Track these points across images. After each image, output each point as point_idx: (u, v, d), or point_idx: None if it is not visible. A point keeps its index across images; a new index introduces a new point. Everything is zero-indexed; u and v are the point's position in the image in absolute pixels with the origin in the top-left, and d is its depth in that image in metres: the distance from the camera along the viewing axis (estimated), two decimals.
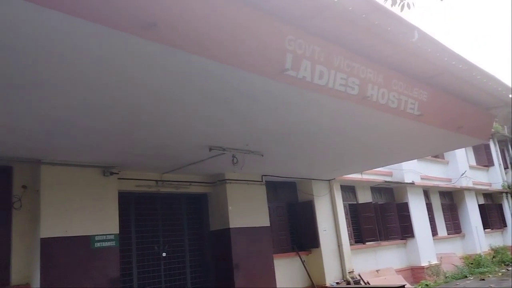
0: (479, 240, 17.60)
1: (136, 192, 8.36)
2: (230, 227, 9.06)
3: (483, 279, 13.35)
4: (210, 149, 7.06)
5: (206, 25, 3.82)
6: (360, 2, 4.50)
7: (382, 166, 12.87)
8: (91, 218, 6.98)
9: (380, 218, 13.74)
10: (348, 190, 13.33)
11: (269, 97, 5.22)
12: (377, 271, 12.71)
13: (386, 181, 14.08)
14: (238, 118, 5.93)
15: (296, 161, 9.29)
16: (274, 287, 9.60)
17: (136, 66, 4.02)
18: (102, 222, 7.10)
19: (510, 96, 7.83)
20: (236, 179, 9.41)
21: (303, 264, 11.01)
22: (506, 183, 20.77)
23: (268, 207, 10.19)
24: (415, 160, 14.70)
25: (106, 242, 7.05)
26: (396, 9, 5.14)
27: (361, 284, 11.52)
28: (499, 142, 21.30)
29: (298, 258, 10.99)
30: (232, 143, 7.09)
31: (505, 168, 21.35)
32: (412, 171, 14.81)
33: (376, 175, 13.77)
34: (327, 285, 10.85)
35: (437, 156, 17.29)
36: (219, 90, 4.85)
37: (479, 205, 19.06)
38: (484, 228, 18.48)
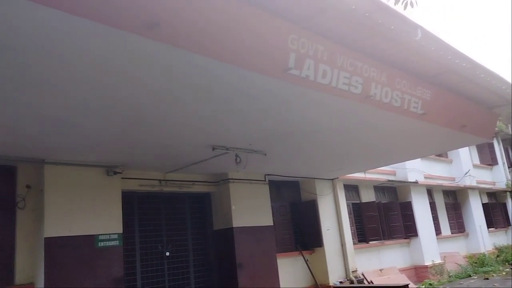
0: (483, 239, 17.55)
1: (139, 191, 8.37)
2: (234, 226, 9.06)
3: (487, 278, 13.30)
4: (213, 149, 7.07)
5: (208, 24, 3.82)
6: (363, 0, 4.48)
7: (386, 165, 12.85)
8: (94, 218, 7.00)
9: (383, 217, 13.71)
10: (351, 189, 13.31)
11: (272, 96, 5.22)
12: (380, 270, 12.69)
13: (389, 180, 14.05)
14: (241, 117, 5.94)
15: (299, 161, 9.28)
16: (278, 286, 9.60)
17: (138, 66, 4.03)
18: (105, 222, 7.12)
19: None
20: (239, 179, 9.42)
21: (307, 264, 11.00)
22: (510, 182, 20.68)
23: (271, 206, 10.19)
24: (419, 159, 14.66)
25: (109, 242, 7.07)
26: (399, 8, 5.13)
27: (364, 284, 11.50)
28: (502, 140, 21.22)
29: (302, 257, 10.99)
30: (235, 142, 7.09)
31: (509, 167, 21.27)
32: (415, 170, 14.78)
33: (380, 174, 13.74)
34: (331, 284, 10.84)
35: (441, 155, 17.24)
36: (222, 90, 4.85)
37: (483, 204, 19.00)
38: (488, 227, 18.43)
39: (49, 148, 6.27)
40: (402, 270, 13.44)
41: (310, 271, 11.01)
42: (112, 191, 7.35)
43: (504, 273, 14.17)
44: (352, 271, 11.55)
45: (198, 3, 3.68)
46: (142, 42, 3.53)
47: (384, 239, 13.43)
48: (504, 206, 21.09)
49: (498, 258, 16.74)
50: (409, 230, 14.28)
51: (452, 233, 16.97)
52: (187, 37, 3.71)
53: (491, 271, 14.56)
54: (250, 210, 9.48)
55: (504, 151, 21.31)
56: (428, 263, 14.06)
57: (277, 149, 7.84)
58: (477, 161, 20.10)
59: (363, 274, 11.85)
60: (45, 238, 6.44)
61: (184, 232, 9.23)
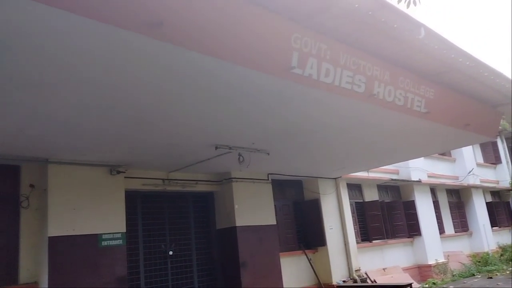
0: (486, 238, 17.50)
1: (142, 190, 8.39)
2: (237, 225, 9.07)
3: (491, 277, 13.27)
4: (216, 148, 7.07)
5: (211, 24, 3.82)
6: None
7: (389, 164, 12.83)
8: (98, 217, 7.01)
9: (386, 216, 13.69)
10: (355, 188, 13.30)
11: (275, 95, 5.22)
12: (383, 269, 12.67)
13: (392, 179, 14.04)
14: (244, 116, 5.94)
15: (302, 160, 9.28)
16: (281, 285, 9.60)
17: (140, 66, 4.04)
18: (109, 221, 7.14)
19: None
20: (242, 178, 9.42)
21: (310, 263, 11.00)
22: None
23: (274, 205, 10.19)
24: (422, 158, 14.62)
25: (113, 241, 7.09)
26: (402, 6, 5.11)
27: (367, 283, 11.49)
28: (506, 139, 21.13)
29: (305, 256, 10.98)
30: (238, 141, 7.10)
31: None
32: (419, 169, 14.75)
33: (383, 173, 13.72)
34: (334, 283, 10.83)
35: (444, 153, 17.19)
36: (224, 89, 4.85)
37: (487, 203, 18.95)
38: (492, 226, 18.37)
39: (52, 148, 6.29)
40: (406, 269, 13.42)
41: (313, 270, 11.01)
42: (115, 190, 7.37)
43: (507, 272, 14.12)
44: (355, 270, 11.54)
45: (201, 3, 3.68)
46: (145, 42, 3.54)
47: (387, 238, 13.41)
48: (508, 205, 21.02)
49: (501, 257, 16.69)
50: (412, 229, 14.25)
51: (455, 232, 16.93)
52: (189, 37, 3.72)
53: (495, 270, 14.52)
54: (253, 209, 9.48)
55: (508, 149, 21.21)
56: (431, 262, 14.03)
57: (280, 148, 7.84)
58: (480, 159, 20.03)
59: (366, 273, 11.84)
60: (49, 237, 6.46)
61: (187, 231, 9.24)
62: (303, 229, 11.51)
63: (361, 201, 13.41)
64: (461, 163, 17.79)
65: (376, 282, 11.60)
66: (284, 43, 4.46)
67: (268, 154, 7.85)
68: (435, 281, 13.00)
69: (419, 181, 14.69)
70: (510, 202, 21.10)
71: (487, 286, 11.77)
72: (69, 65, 3.82)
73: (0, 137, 5.58)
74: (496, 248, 17.76)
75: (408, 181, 14.44)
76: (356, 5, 4.44)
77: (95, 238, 6.92)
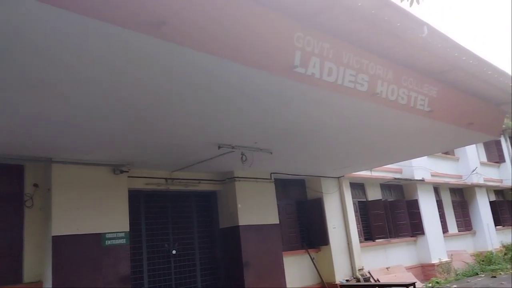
0: (490, 237, 17.44)
1: (146, 190, 8.41)
2: (240, 224, 9.08)
3: (495, 277, 13.22)
4: (219, 147, 7.08)
5: (214, 23, 3.82)
6: None
7: (392, 163, 12.81)
8: (101, 216, 7.04)
9: (390, 215, 13.66)
10: (358, 187, 13.28)
11: (277, 94, 5.22)
12: (387, 268, 12.65)
13: (395, 178, 14.01)
14: (246, 116, 5.94)
15: (305, 159, 9.28)
16: (284, 284, 9.60)
17: (143, 66, 4.04)
18: (112, 220, 7.16)
19: None
20: (245, 177, 9.42)
21: (313, 262, 11.00)
22: None
23: (277, 204, 10.19)
24: (425, 157, 14.57)
25: (116, 240, 7.11)
26: (405, 5, 5.10)
27: (371, 282, 11.48)
28: (510, 138, 21.04)
29: (308, 255, 10.98)
30: (241, 141, 7.10)
31: None
32: (422, 168, 14.72)
33: (386, 172, 13.70)
34: (337, 282, 10.83)
35: (448, 152, 17.15)
36: (226, 89, 4.86)
37: (490, 202, 18.89)
38: (496, 225, 18.31)
39: (56, 148, 6.31)
40: (409, 268, 13.40)
41: (316, 269, 11.01)
42: (118, 189, 7.39)
43: (511, 271, 14.07)
44: (359, 269, 11.53)
45: (204, 2, 3.68)
46: (147, 42, 3.54)
47: (390, 237, 13.39)
48: (511, 204, 20.94)
49: (505, 256, 16.62)
50: (415, 228, 14.22)
51: (459, 231, 16.89)
52: (192, 36, 3.72)
53: (499, 269, 14.47)
54: (256, 209, 9.49)
55: None
56: (435, 261, 14.00)
57: (283, 148, 7.84)
58: (484, 158, 19.97)
59: (369, 272, 11.83)
60: (53, 236, 6.49)
61: (191, 230, 9.25)
62: (306, 228, 11.50)
63: (364, 200, 13.39)
64: (465, 162, 17.74)
65: (379, 281, 11.58)
66: (287, 42, 4.45)
67: (271, 153, 7.85)
68: (438, 280, 12.97)
69: (422, 180, 14.67)
70: None
71: (491, 285, 11.73)
72: (71, 65, 3.83)
73: (4, 136, 5.61)
74: (500, 247, 17.70)
75: (411, 180, 14.41)
76: (359, 4, 4.44)
77: (98, 237, 6.94)
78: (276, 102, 5.51)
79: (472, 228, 17.66)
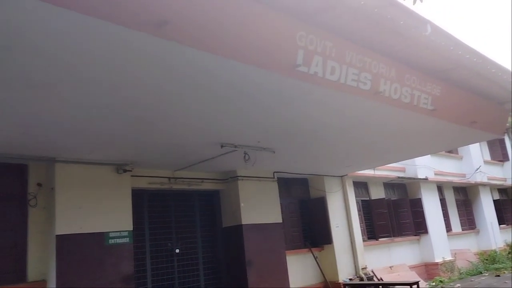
0: (494, 236, 17.39)
1: (149, 189, 8.42)
2: (243, 223, 9.08)
3: (498, 275, 13.19)
4: (222, 146, 7.08)
5: (216, 22, 3.82)
6: None
7: (395, 162, 12.77)
8: (105, 215, 7.05)
9: (393, 214, 13.64)
10: (361, 186, 13.26)
11: (280, 93, 5.21)
12: (390, 267, 12.64)
13: (399, 177, 13.98)
14: (249, 115, 5.94)
15: (308, 158, 9.27)
16: (287, 283, 9.61)
17: (146, 66, 4.04)
18: (116, 219, 7.17)
19: None
20: (248, 176, 9.42)
21: (316, 261, 11.00)
22: None
23: (280, 203, 10.18)
24: (429, 156, 14.55)
25: (120, 239, 7.13)
26: (408, 3, 5.08)
27: (374, 281, 11.47)
28: None
29: (311, 254, 10.98)
30: (244, 140, 7.10)
31: None
32: (425, 166, 14.68)
33: (389, 171, 13.67)
34: (340, 281, 10.83)
35: (451, 151, 17.11)
36: (228, 88, 4.85)
37: (494, 201, 18.83)
38: (499, 224, 18.24)
39: (59, 147, 6.33)
40: (412, 267, 13.38)
41: (320, 268, 11.00)
42: (122, 189, 7.41)
43: None
44: (362, 268, 11.52)
45: (205, 1, 3.67)
46: (149, 41, 3.55)
47: (394, 236, 13.37)
48: None
49: (509, 255, 16.56)
50: (419, 227, 14.20)
51: (462, 230, 16.85)
52: (194, 35, 3.72)
53: (503, 268, 14.42)
54: (259, 208, 9.49)
55: None
56: (438, 260, 13.98)
57: (286, 147, 7.84)
58: (488, 157, 19.89)
59: (372, 271, 11.82)
60: (57, 235, 6.51)
61: (194, 229, 9.27)
62: (309, 227, 11.50)
63: (368, 199, 13.37)
64: (468, 161, 17.68)
65: (382, 280, 11.57)
66: (289, 41, 4.45)
67: (274, 152, 7.85)
68: (442, 279, 12.95)
69: (425, 179, 14.63)
70: None
71: (495, 284, 11.70)
72: (73, 64, 3.83)
73: (7, 136, 5.63)
74: (504, 246, 17.63)
75: (414, 179, 14.38)
76: (362, 2, 4.43)
77: (102, 236, 6.96)
78: (278, 102, 5.51)
79: (475, 227, 17.61)
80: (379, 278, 11.69)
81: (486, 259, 15.58)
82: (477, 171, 17.45)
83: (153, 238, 8.49)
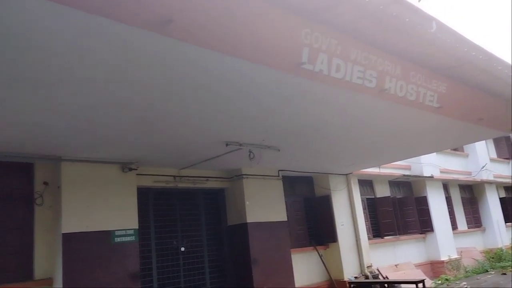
0: (500, 234, 17.31)
1: (154, 187, 8.45)
2: (248, 222, 9.09)
3: (505, 274, 13.12)
4: (227, 145, 7.09)
5: (222, 20, 3.82)
6: None
7: (401, 160, 12.74)
8: (111, 214, 7.08)
9: (398, 212, 13.61)
10: (366, 184, 13.24)
11: (285, 91, 5.21)
12: (396, 265, 12.61)
13: (404, 175, 13.93)
14: (254, 113, 5.94)
15: (312, 156, 9.26)
16: (292, 281, 9.61)
17: (153, 63, 4.05)
18: (122, 217, 7.20)
19: None
20: (252, 174, 9.43)
21: (321, 259, 11.00)
22: None
23: (285, 201, 10.19)
24: (434, 153, 14.50)
25: (126, 237, 7.16)
26: (413, 0, 5.05)
27: (379, 279, 11.45)
28: None
29: (316, 252, 10.98)
30: (249, 138, 7.10)
31: None
32: (431, 164, 14.62)
33: (394, 169, 13.63)
34: (345, 279, 10.81)
35: (457, 149, 17.03)
36: (236, 86, 4.85)
37: (500, 199, 18.73)
38: (506, 222, 18.14)
39: (65, 146, 6.36)
40: (418, 265, 13.35)
41: (325, 266, 11.00)
42: (127, 187, 7.43)
43: None
44: (367, 267, 11.51)
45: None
46: (157, 40, 3.55)
47: (399, 234, 13.33)
48: None
49: None
50: (424, 225, 14.15)
51: (468, 228, 16.78)
52: (201, 34, 3.72)
53: (509, 266, 14.35)
54: (264, 206, 9.49)
55: None
56: (444, 258, 13.94)
57: (291, 145, 7.83)
58: (494, 154, 19.78)
59: (378, 270, 11.80)
60: (63, 234, 6.54)
61: (199, 227, 9.29)
62: (314, 225, 11.49)
63: (373, 197, 13.35)
64: (474, 158, 17.60)
65: (388, 278, 11.55)
66: (294, 38, 4.44)
67: (279, 150, 7.84)
68: (448, 277, 12.91)
69: (431, 177, 14.57)
70: None
71: (501, 282, 11.65)
72: (79, 64, 3.85)
73: (14, 135, 5.66)
74: (510, 244, 17.55)
75: (420, 176, 14.33)
76: (367, 0, 4.41)
77: (108, 235, 6.99)
78: (285, 99, 5.50)
79: (481, 225, 17.54)
80: (384, 276, 11.67)
81: (492, 257, 15.52)
82: (483, 169, 17.37)
83: (159, 236, 8.52)
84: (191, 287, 8.76)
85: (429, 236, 14.28)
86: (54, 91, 4.35)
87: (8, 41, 3.32)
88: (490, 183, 17.98)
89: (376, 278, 11.37)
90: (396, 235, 13.17)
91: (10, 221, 6.57)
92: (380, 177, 13.33)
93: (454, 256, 14.34)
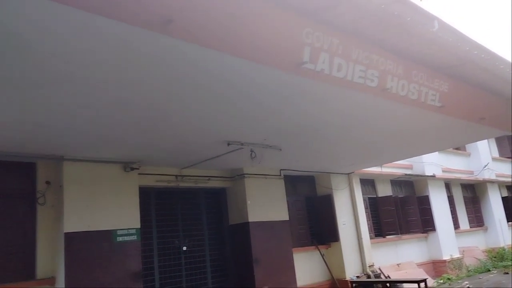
0: (502, 233, 17.27)
1: (156, 187, 8.46)
2: (249, 221, 9.09)
3: (507, 273, 13.09)
4: (228, 144, 7.09)
5: (223, 20, 3.82)
6: None
7: (402, 159, 12.73)
8: (113, 213, 7.09)
9: (400, 212, 13.59)
10: (368, 183, 13.22)
11: (287, 91, 5.20)
12: (397, 264, 12.60)
13: (406, 174, 13.92)
14: (256, 112, 5.94)
15: (314, 156, 9.26)
16: (294, 281, 9.61)
17: (154, 63, 4.05)
18: (123, 217, 7.21)
19: None
20: (254, 174, 9.43)
21: (323, 258, 10.99)
22: None
23: (287, 201, 10.19)
24: (436, 153, 14.48)
25: (128, 236, 7.17)
26: None
27: (381, 278, 11.44)
28: None
29: (318, 252, 10.98)
30: (250, 137, 7.10)
31: None
32: (433, 163, 14.60)
33: (396, 168, 13.62)
34: (347, 279, 10.81)
35: (459, 148, 17.00)
36: (237, 85, 4.85)
37: (503, 198, 18.68)
38: (508, 221, 18.11)
39: (67, 145, 6.37)
40: (420, 265, 13.33)
41: (327, 265, 11.00)
42: (129, 186, 7.44)
43: None
44: (369, 266, 11.50)
45: None
46: (159, 39, 3.55)
47: (401, 234, 13.31)
48: None
49: None
50: (426, 224, 14.13)
51: (470, 227, 16.75)
52: (202, 33, 3.72)
53: (511, 265, 14.33)
54: (266, 205, 9.49)
55: None
56: (446, 257, 13.92)
57: (292, 144, 7.83)
58: (496, 154, 19.74)
59: (380, 269, 11.79)
60: (65, 233, 6.56)
61: (201, 227, 9.30)
62: (316, 224, 11.49)
63: (375, 196, 13.33)
64: (476, 157, 17.57)
65: (390, 277, 11.54)
66: (296, 38, 4.44)
67: (280, 150, 7.84)
68: (450, 277, 12.89)
69: (433, 176, 14.55)
70: None
71: (503, 281, 11.63)
72: (88, 63, 3.86)
73: (16, 135, 5.68)
74: None
75: (422, 176, 14.31)
76: None
77: (110, 234, 7.00)
78: (287, 98, 5.49)
79: (484, 224, 17.51)
80: (386, 275, 11.66)
81: (495, 257, 15.48)
82: (485, 168, 17.34)
83: (161, 236, 8.53)
84: (193, 286, 8.77)
85: (431, 235, 14.26)
86: (54, 91, 4.36)
87: (9, 41, 3.33)
88: (492, 182, 17.95)
89: (378, 278, 11.36)
90: (398, 234, 13.16)
91: (12, 220, 6.58)
92: (382, 176, 13.32)
93: (456, 255, 14.31)
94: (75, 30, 3.31)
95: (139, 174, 7.69)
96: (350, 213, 11.73)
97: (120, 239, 7.08)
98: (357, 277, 11.01)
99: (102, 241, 6.88)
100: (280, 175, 10.04)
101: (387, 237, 12.92)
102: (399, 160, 12.60)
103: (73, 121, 5.33)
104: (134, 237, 7.26)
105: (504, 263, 14.64)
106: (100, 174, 7.11)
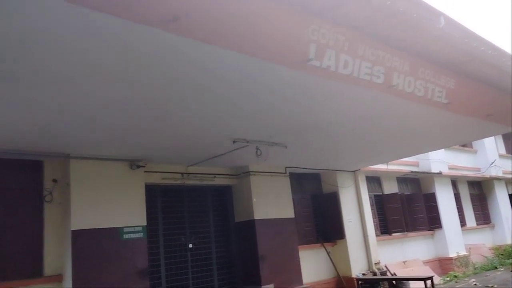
0: (509, 230, 17.18)
1: (162, 184, 8.48)
2: (255, 218, 9.10)
3: None
4: (234, 142, 7.10)
5: (229, 17, 3.81)
6: None
7: (409, 156, 12.68)
8: (119, 211, 7.13)
9: (406, 209, 13.55)
10: (374, 181, 13.19)
11: (293, 88, 5.20)
12: (404, 262, 12.57)
13: (412, 171, 13.87)
14: (261, 110, 5.94)
15: (320, 153, 9.24)
16: (300, 278, 9.62)
17: (160, 60, 4.06)
18: (130, 214, 7.25)
19: None
20: (260, 171, 9.44)
21: (329, 256, 10.99)
22: None
23: (293, 198, 10.19)
24: (442, 150, 14.40)
25: (134, 234, 7.20)
26: None
27: (387, 276, 11.42)
28: None
29: (324, 249, 10.97)
30: (256, 135, 7.11)
31: None
32: (439, 160, 14.53)
33: (402, 165, 13.57)
34: (353, 276, 10.80)
35: (465, 145, 16.91)
36: (242, 82, 4.86)
37: (510, 195, 18.57)
38: None
39: (74, 143, 6.40)
40: (426, 262, 13.29)
41: (333, 263, 10.99)
42: (135, 184, 7.47)
43: None
44: (375, 263, 11.48)
45: None
46: (165, 37, 3.56)
47: (407, 231, 13.28)
48: None
49: None
50: (433, 222, 14.08)
51: (477, 225, 16.68)
52: (208, 31, 3.72)
53: None
54: (271, 203, 9.50)
55: None
56: (452, 255, 13.86)
57: (298, 142, 7.82)
58: (503, 150, 19.59)
59: (386, 266, 11.77)
60: (72, 230, 6.59)
61: (207, 224, 9.32)
62: (321, 222, 11.48)
63: (380, 193, 13.30)
64: (483, 155, 17.46)
65: (396, 275, 11.52)
66: (302, 35, 4.42)
67: (286, 147, 7.84)
68: (456, 274, 12.84)
69: (439, 173, 14.49)
70: None
71: (510, 279, 11.57)
72: (94, 61, 3.87)
73: (23, 133, 5.71)
74: None
75: (428, 173, 14.25)
76: None
77: (116, 231, 7.03)
78: (293, 95, 5.48)
79: (490, 222, 17.42)
80: (392, 273, 11.64)
81: (502, 254, 15.41)
82: (492, 165, 17.23)
83: (167, 233, 8.55)
84: (199, 283, 8.80)
85: (437, 232, 14.21)
86: (62, 89, 4.38)
87: (9, 41, 3.35)
88: (499, 179, 17.85)
89: (384, 275, 11.34)
90: (404, 231, 13.12)
91: (19, 218, 6.63)
92: (388, 173, 13.28)
93: (463, 252, 14.26)
94: (74, 30, 3.31)
95: (145, 171, 7.71)
96: (356, 211, 11.71)
97: (126, 236, 7.11)
98: (363, 274, 11.00)
99: (108, 238, 6.92)
100: (285, 173, 10.04)
101: (393, 234, 12.89)
102: (405, 157, 12.56)
103: (76, 120, 5.35)
104: (140, 235, 7.30)
105: (511, 261, 14.56)
106: (106, 172, 7.14)
